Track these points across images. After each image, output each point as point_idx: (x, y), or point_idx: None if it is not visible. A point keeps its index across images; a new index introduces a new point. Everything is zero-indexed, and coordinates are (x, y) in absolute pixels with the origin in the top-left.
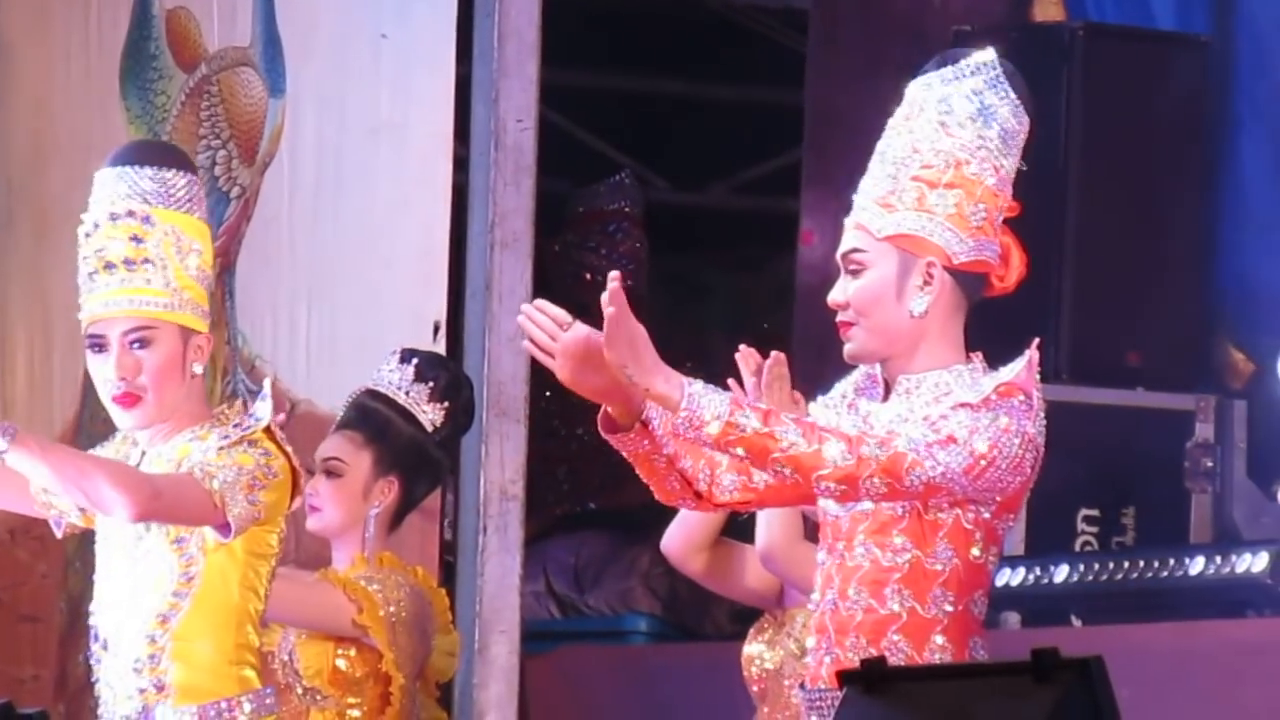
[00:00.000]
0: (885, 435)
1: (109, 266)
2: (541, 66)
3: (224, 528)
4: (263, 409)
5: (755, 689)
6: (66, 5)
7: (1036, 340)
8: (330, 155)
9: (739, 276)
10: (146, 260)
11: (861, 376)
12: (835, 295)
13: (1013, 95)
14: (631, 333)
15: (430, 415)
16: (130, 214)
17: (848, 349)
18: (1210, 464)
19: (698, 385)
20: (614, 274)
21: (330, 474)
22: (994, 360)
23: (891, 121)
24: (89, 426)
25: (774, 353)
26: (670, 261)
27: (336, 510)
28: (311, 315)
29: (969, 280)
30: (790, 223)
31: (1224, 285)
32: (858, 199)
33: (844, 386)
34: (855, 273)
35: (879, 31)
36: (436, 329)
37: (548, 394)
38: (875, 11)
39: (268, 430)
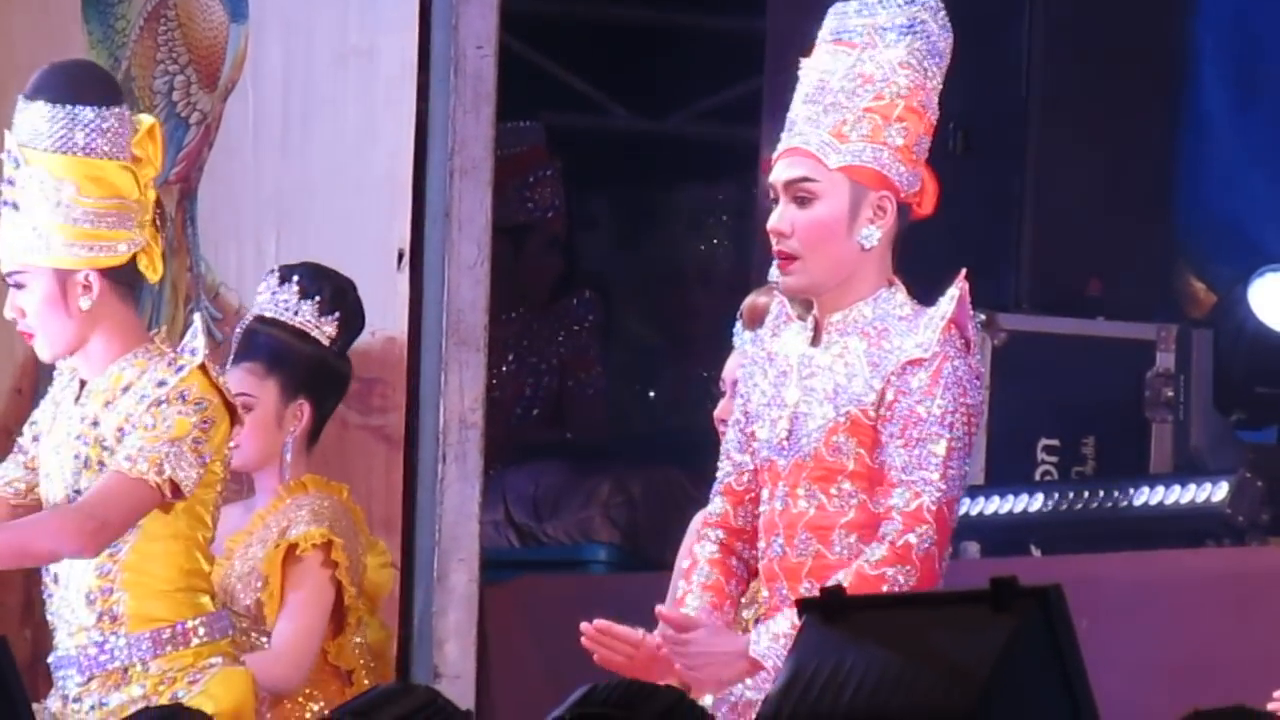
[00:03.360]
0: (913, 510)
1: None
2: None
3: (176, 493)
4: (196, 344)
5: None
6: None
7: (963, 270)
8: (297, 82)
9: (699, 203)
10: (15, 204)
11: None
12: (778, 223)
13: (941, 13)
14: (697, 641)
15: (324, 329)
16: (9, 153)
17: (789, 282)
18: (1171, 394)
19: (763, 644)
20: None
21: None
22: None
23: (825, 46)
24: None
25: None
26: (629, 189)
27: (253, 445)
28: (280, 242)
29: (905, 211)
30: (751, 151)
31: (1185, 215)
32: (800, 125)
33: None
34: (803, 201)
35: None
36: (401, 256)
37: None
38: None
39: (202, 367)
